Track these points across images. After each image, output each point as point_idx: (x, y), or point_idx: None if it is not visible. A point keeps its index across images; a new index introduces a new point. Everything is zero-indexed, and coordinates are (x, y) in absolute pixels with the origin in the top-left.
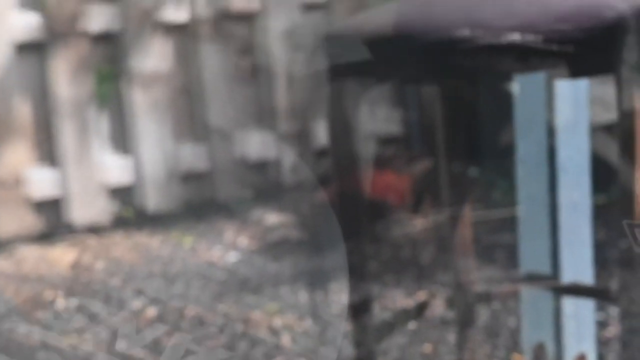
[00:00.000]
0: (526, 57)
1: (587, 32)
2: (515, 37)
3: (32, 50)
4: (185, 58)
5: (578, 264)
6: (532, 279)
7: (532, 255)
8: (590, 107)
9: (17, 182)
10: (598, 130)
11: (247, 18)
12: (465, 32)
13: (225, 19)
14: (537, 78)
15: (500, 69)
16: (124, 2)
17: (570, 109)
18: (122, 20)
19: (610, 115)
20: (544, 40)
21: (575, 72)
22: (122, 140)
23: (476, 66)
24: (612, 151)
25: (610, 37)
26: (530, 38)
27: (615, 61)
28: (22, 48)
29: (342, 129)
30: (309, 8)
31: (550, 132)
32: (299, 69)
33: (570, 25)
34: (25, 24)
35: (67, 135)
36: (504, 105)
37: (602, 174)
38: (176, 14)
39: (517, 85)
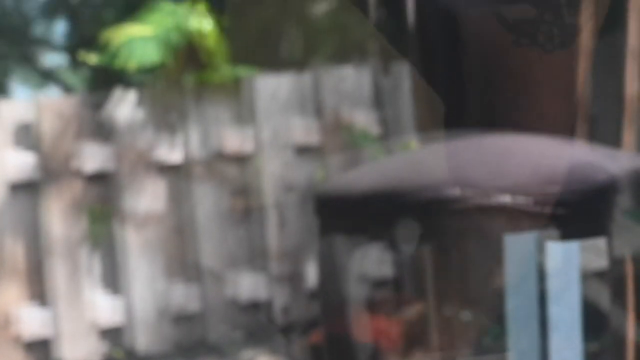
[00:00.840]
0: (516, 218)
1: (578, 195)
2: (506, 198)
3: (26, 189)
4: (179, 198)
5: None
6: None
7: None
8: (582, 253)
9: (7, 321)
10: (589, 277)
11: (240, 159)
12: (455, 192)
13: (218, 159)
14: (527, 239)
15: (491, 230)
16: (117, 143)
17: (561, 269)
18: (116, 161)
19: (601, 262)
20: (534, 202)
21: (567, 234)
22: (114, 280)
23: (467, 226)
24: (603, 298)
25: (601, 200)
26: (520, 199)
27: (608, 224)
28: (16, 187)
29: (332, 276)
30: (302, 150)
31: (541, 291)
32: (291, 211)
33: (561, 187)
34: (20, 163)
35: (58, 275)
36: (497, 252)
37: (594, 321)
38: (170, 155)
39: (507, 246)
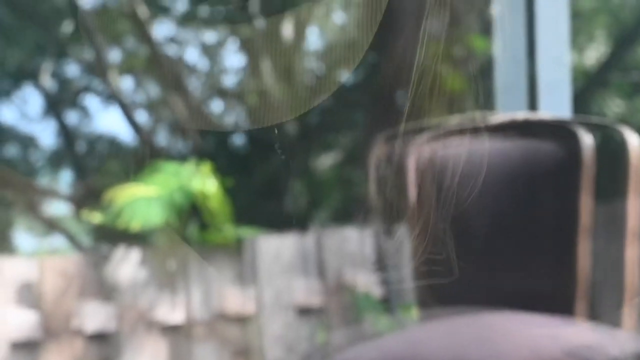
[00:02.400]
0: None
1: None
2: None
3: (27, 348)
4: (179, 359)
5: None
6: None
7: None
8: None
9: None
10: None
11: (242, 320)
12: None
13: (220, 320)
14: None
15: None
16: (119, 302)
17: None
18: (117, 320)
19: None
20: None
21: None
22: None
23: None
24: None
25: None
26: None
27: None
28: (16, 346)
29: None
30: (304, 311)
31: None
32: None
33: None
34: (21, 321)
35: None
36: None
37: None
38: (171, 315)
39: None
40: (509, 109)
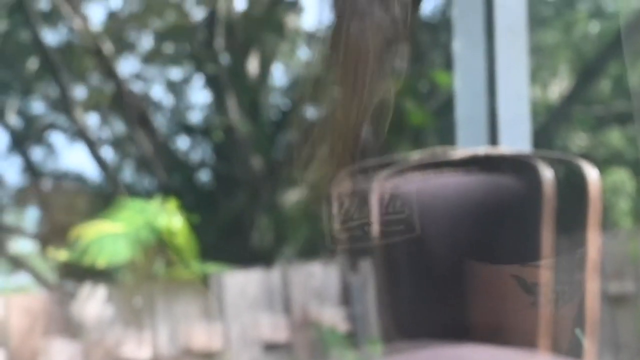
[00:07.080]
0: None
1: None
2: None
3: None
4: None
5: None
6: None
7: None
8: None
9: None
10: None
11: (208, 356)
12: None
13: (187, 356)
14: None
15: None
16: (85, 339)
17: None
18: (84, 357)
19: None
20: None
21: None
22: None
23: None
24: None
25: None
26: None
27: None
28: None
29: None
30: (270, 347)
31: None
32: None
33: None
34: None
35: None
36: None
37: None
38: (138, 351)
39: None
40: (469, 143)
